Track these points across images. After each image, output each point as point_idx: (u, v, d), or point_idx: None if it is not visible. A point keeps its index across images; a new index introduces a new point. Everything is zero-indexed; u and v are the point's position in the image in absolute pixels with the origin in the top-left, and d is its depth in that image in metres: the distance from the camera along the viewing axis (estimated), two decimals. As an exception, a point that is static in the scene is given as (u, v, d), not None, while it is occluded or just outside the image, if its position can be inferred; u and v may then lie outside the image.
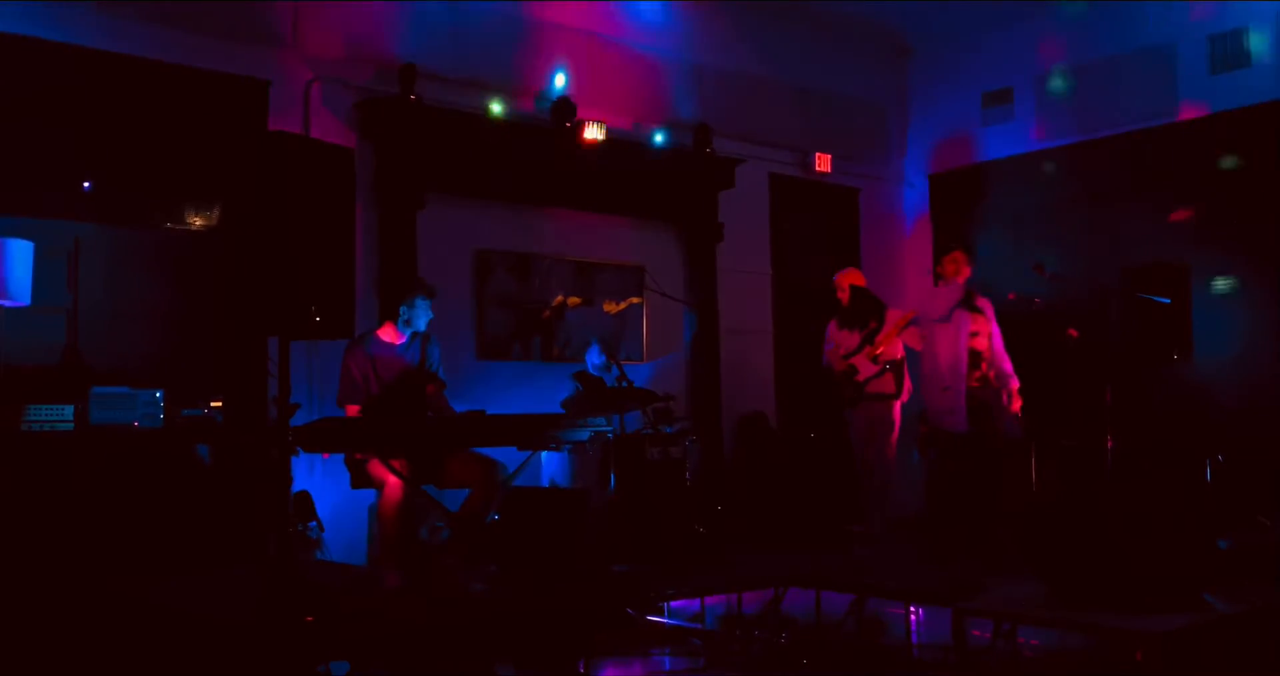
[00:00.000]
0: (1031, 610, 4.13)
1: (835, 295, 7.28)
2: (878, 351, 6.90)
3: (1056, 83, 8.09)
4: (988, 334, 6.55)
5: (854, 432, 7.14)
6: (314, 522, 5.98)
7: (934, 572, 5.50)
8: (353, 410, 5.38)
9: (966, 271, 6.66)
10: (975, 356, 6.48)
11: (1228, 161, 7.70)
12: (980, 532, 6.09)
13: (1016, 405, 6.53)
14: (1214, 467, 6.46)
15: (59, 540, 4.68)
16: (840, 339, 7.15)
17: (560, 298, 7.64)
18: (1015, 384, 6.55)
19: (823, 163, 9.11)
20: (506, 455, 5.24)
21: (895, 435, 7.00)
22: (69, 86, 5.73)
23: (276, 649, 3.64)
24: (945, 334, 6.52)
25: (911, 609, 5.11)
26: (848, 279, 7.27)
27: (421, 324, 5.52)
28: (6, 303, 5.02)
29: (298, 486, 6.08)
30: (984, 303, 6.64)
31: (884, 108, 9.76)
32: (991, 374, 6.51)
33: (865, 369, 6.96)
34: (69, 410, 4.81)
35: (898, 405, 7.01)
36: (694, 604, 5.37)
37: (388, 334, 5.53)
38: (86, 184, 5.82)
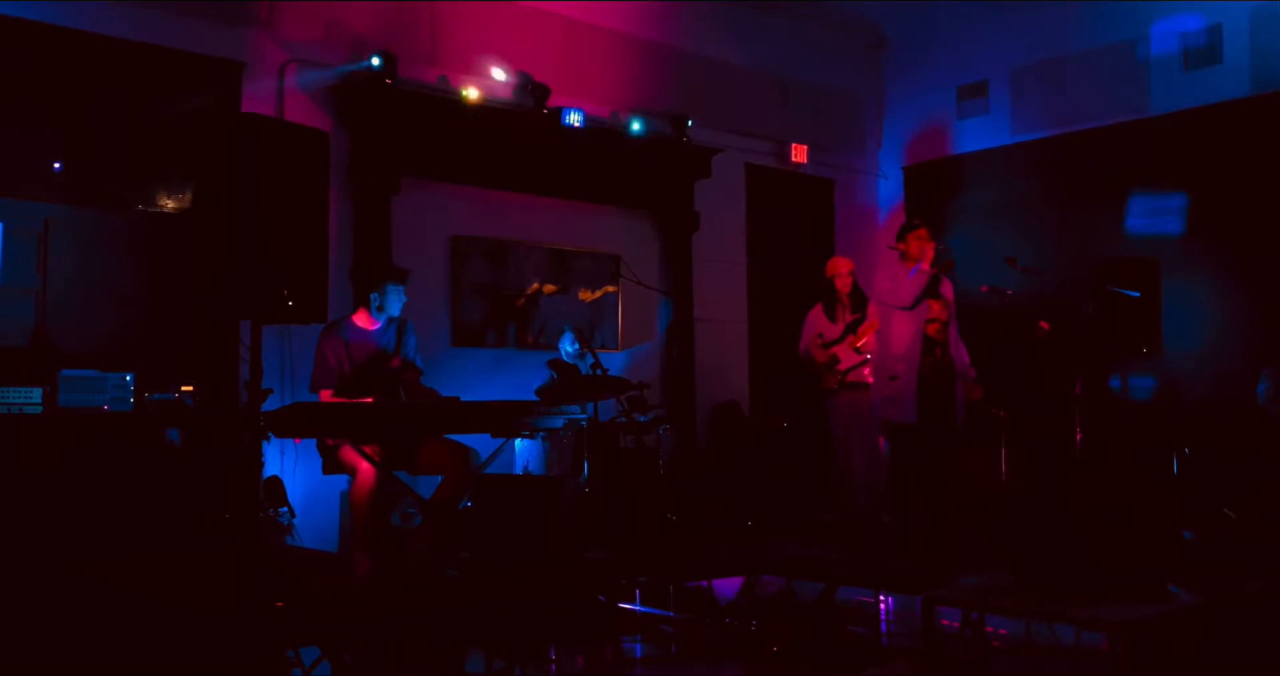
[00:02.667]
0: (1000, 599, 4.17)
1: (825, 283, 7.19)
2: (860, 342, 6.91)
3: None
4: (946, 319, 6.10)
5: (833, 422, 7.16)
6: (285, 508, 5.95)
7: (904, 561, 5.53)
8: (326, 395, 5.34)
9: (931, 252, 6.07)
10: (929, 342, 6.01)
11: None
12: (940, 524, 6.01)
13: (978, 393, 6.22)
14: (1180, 460, 6.53)
15: (26, 523, 4.64)
16: (823, 328, 7.14)
17: (536, 285, 7.62)
18: (973, 372, 6.20)
19: (799, 153, 9.13)
20: (480, 442, 5.22)
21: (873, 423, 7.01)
22: (39, 66, 5.66)
23: (246, 634, 3.62)
24: (905, 321, 6.05)
25: (881, 597, 5.15)
26: (849, 266, 7.21)
27: (395, 309, 5.48)
28: (-26, 284, 4.97)
29: (269, 472, 6.06)
30: (947, 286, 6.20)
31: (860, 100, 9.80)
32: (946, 360, 6.05)
33: (847, 358, 6.97)
34: (37, 393, 4.76)
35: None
36: (666, 591, 5.38)
37: (362, 319, 5.49)
38: (57, 165, 5.75)
